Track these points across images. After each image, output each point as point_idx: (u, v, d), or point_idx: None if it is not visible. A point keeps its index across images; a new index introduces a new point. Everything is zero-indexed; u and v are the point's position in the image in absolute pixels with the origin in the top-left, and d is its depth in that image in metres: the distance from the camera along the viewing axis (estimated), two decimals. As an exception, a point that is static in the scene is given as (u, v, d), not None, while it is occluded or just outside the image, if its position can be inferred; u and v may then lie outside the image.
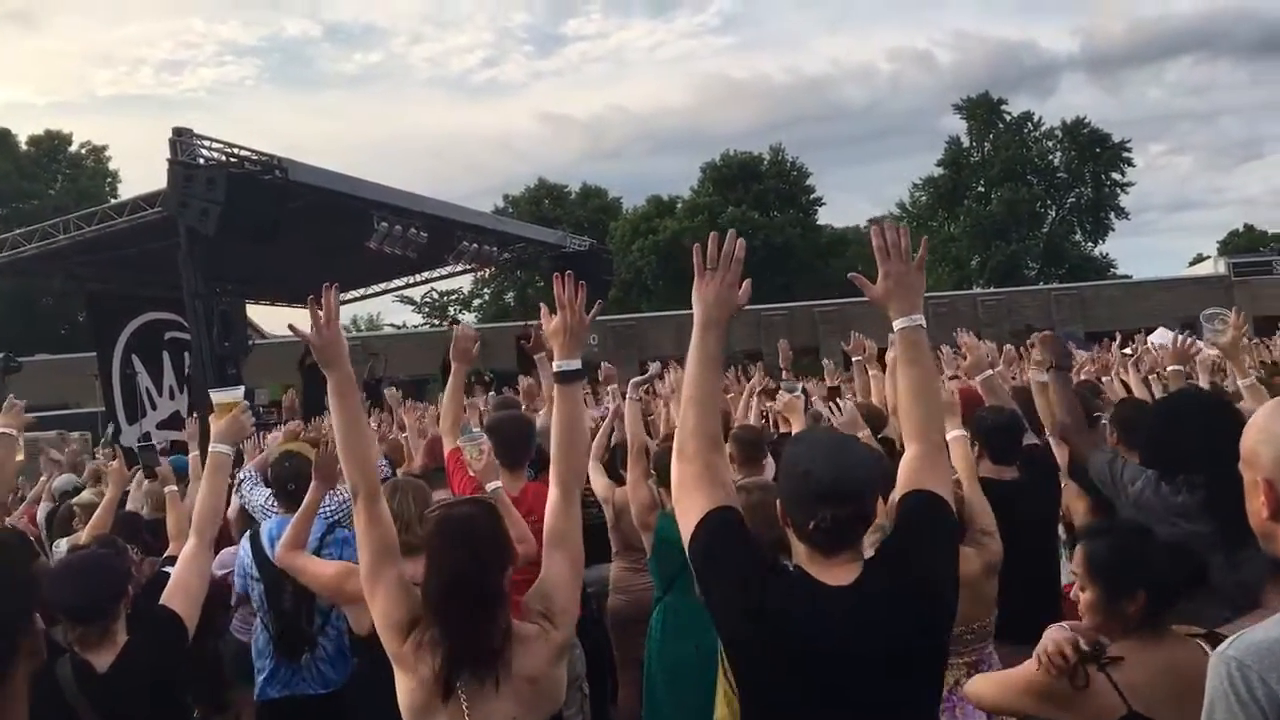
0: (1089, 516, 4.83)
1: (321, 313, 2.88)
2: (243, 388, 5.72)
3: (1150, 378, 6.69)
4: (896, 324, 2.62)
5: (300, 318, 3.22)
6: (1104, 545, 2.82)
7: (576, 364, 2.99)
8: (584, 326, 3.04)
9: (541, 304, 3.20)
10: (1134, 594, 2.62)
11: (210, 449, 3.82)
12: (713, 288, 2.56)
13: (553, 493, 2.95)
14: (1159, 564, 2.64)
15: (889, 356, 4.81)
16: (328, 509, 4.81)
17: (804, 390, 5.06)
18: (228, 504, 5.28)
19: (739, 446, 5.10)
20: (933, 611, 2.32)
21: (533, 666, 2.65)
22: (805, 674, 2.24)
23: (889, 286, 2.63)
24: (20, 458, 4.23)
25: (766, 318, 36.06)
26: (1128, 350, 8.71)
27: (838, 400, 5.44)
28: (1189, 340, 5.42)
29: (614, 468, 5.84)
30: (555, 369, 3.02)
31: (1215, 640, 2.52)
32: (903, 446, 2.59)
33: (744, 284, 2.59)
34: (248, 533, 5.30)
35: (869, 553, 2.44)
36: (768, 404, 7.83)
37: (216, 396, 4.46)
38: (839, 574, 2.31)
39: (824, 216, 56.13)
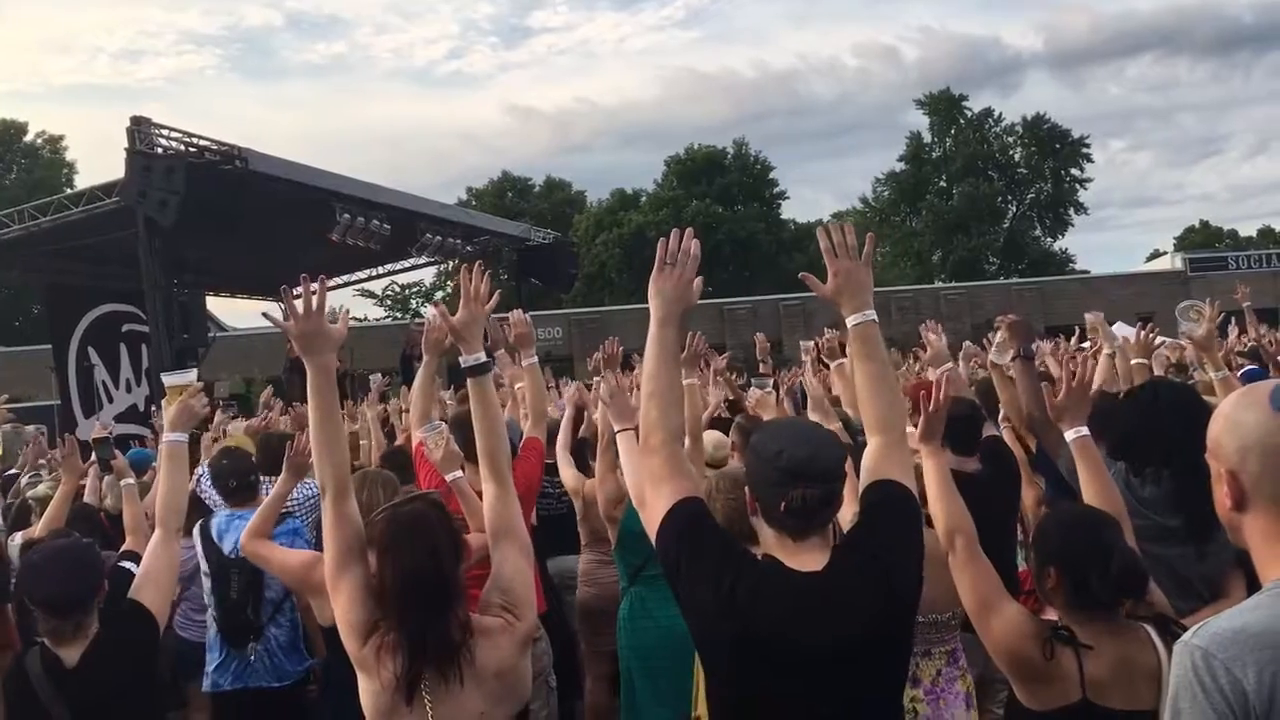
0: (1037, 507, 4.88)
1: (299, 302, 2.80)
2: (195, 370, 5.56)
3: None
4: (849, 320, 2.67)
5: (262, 309, 3.20)
6: (1042, 519, 2.97)
7: (482, 357, 3.07)
8: (485, 319, 3.14)
9: (439, 303, 3.22)
10: (1046, 569, 2.70)
11: (163, 439, 3.73)
12: (670, 283, 2.60)
13: (487, 487, 2.98)
14: (1074, 545, 2.67)
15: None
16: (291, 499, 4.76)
17: (775, 385, 5.06)
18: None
19: (742, 436, 5.08)
20: (899, 598, 2.34)
21: (498, 660, 2.64)
22: (776, 661, 2.25)
23: (839, 284, 2.68)
24: None
25: (730, 311, 36.11)
26: (1085, 345, 8.78)
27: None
28: (1152, 332, 5.40)
29: (582, 458, 5.79)
30: (464, 364, 3.06)
31: (1161, 624, 2.59)
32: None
33: (696, 281, 2.64)
34: (198, 525, 5.19)
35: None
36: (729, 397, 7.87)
37: (168, 380, 4.35)
38: (808, 560, 2.32)
39: (788, 211, 56.45)
